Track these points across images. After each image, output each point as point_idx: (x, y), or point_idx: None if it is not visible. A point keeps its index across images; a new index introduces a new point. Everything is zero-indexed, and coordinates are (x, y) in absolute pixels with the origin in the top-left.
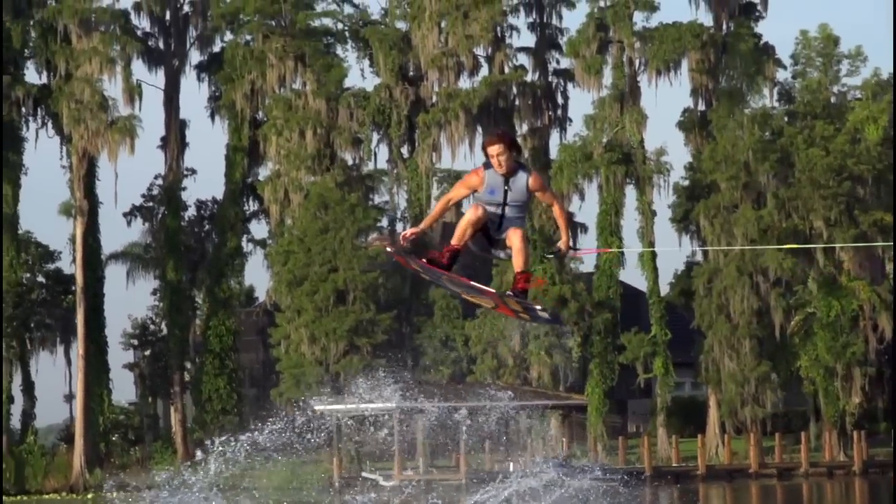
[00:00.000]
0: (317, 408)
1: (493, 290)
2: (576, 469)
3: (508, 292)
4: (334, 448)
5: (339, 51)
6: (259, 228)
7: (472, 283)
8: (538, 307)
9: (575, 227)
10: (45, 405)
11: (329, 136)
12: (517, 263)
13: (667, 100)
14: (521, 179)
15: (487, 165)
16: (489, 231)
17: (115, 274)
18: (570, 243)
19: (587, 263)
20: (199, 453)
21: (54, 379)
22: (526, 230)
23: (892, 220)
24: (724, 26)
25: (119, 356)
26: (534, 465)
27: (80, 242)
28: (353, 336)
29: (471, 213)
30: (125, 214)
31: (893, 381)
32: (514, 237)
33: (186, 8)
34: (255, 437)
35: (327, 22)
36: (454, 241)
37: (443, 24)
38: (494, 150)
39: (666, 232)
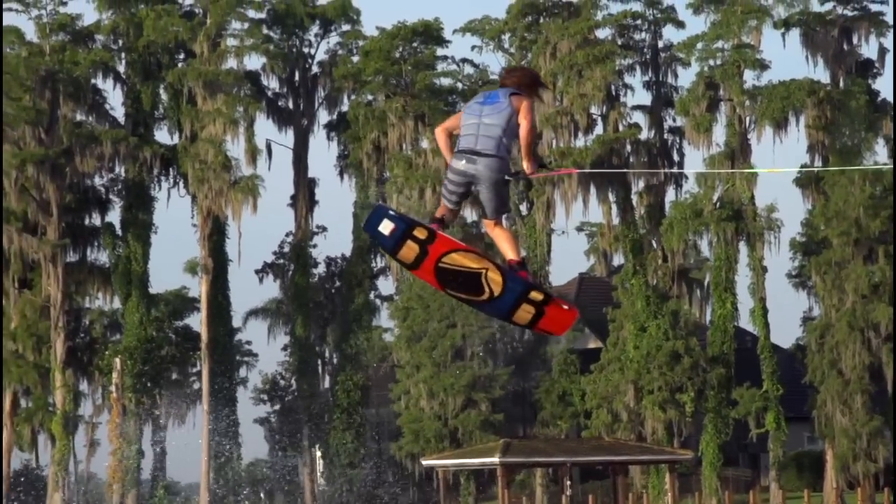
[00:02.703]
0: (424, 462)
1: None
2: None
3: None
4: (441, 502)
5: (459, 110)
6: (386, 285)
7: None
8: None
9: (690, 283)
10: (181, 462)
11: None
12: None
13: (781, 156)
14: None
15: None
16: None
17: (256, 329)
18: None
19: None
20: None
21: (191, 435)
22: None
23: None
24: (842, 83)
25: (251, 411)
26: None
27: (204, 300)
28: (471, 391)
29: None
30: (257, 272)
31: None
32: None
33: (315, 69)
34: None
35: (447, 82)
36: None
37: (558, 84)
38: None
39: (782, 287)
